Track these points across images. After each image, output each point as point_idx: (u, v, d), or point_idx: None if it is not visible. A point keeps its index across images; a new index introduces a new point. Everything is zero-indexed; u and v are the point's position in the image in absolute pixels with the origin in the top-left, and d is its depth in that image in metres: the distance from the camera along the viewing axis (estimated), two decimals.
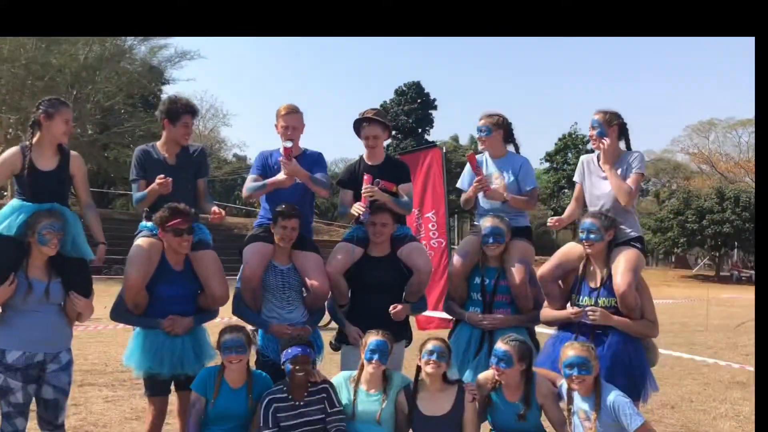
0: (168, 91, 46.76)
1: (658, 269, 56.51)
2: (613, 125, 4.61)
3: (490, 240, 4.78)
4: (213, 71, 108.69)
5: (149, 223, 4.62)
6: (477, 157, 5.14)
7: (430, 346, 4.28)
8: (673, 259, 59.96)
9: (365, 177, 4.89)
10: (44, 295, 4.06)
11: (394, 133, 58.66)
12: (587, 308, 4.39)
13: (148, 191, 4.62)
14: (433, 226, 7.75)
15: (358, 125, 5.18)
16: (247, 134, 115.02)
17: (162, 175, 4.50)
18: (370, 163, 5.17)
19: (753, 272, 48.43)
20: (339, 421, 4.20)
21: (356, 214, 4.87)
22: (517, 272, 4.73)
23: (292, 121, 4.96)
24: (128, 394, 7.18)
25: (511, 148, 5.18)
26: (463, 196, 5.19)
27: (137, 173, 4.76)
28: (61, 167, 4.28)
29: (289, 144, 4.73)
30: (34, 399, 4.16)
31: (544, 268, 4.71)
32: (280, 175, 4.78)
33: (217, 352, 4.37)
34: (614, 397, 3.87)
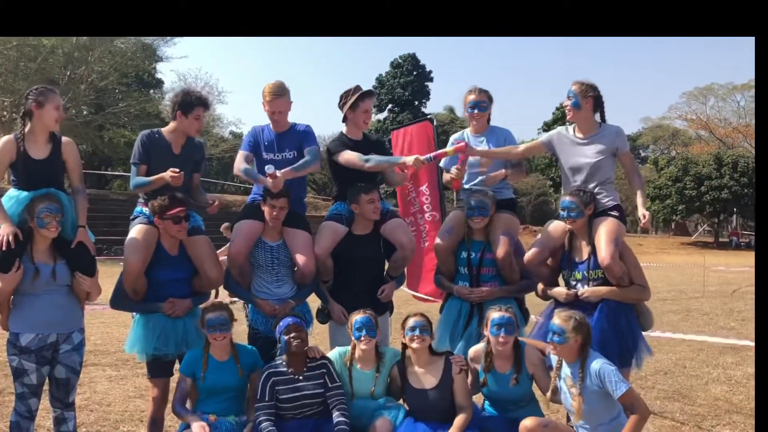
0: (162, 69, 46.50)
1: (658, 237, 56.75)
2: (588, 97, 4.65)
3: (475, 213, 4.85)
4: (206, 48, 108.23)
5: (146, 209, 4.69)
6: (456, 135, 5.23)
7: (411, 322, 4.38)
8: (672, 227, 60.17)
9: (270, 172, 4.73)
10: (51, 277, 4.16)
11: (390, 106, 58.86)
12: (577, 291, 4.50)
13: (154, 179, 4.63)
14: (426, 199, 7.74)
15: (360, 99, 5.10)
16: (242, 111, 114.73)
17: (177, 169, 4.54)
18: (353, 137, 5.18)
19: (753, 237, 48.68)
20: (340, 395, 4.31)
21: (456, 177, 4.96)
22: (501, 244, 4.79)
23: (277, 106, 4.96)
24: (131, 373, 7.29)
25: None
26: (445, 178, 5.24)
27: (140, 157, 4.75)
28: (54, 154, 4.32)
29: (271, 169, 4.69)
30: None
31: (529, 254, 4.76)
32: (270, 182, 4.74)
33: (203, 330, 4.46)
34: (599, 365, 3.94)
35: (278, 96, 4.95)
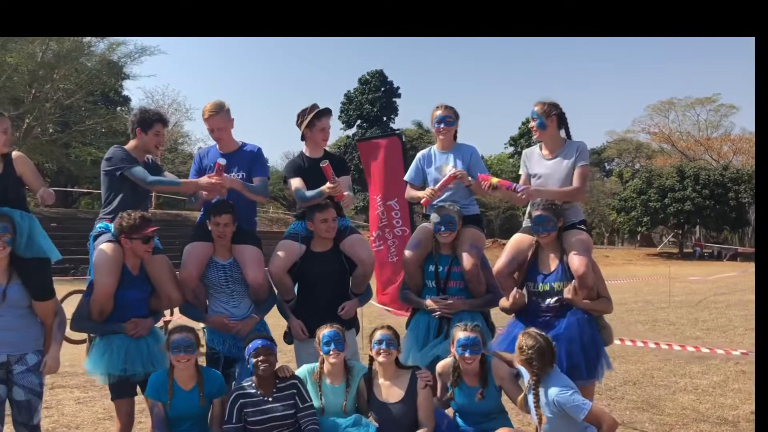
0: (129, 86, 46.07)
1: (624, 248, 57.49)
2: (552, 116, 4.79)
3: (443, 228, 4.90)
4: (173, 66, 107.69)
5: (110, 225, 4.64)
6: (423, 152, 5.31)
7: (378, 335, 4.42)
8: (638, 238, 61.04)
9: (324, 165, 4.85)
10: (1, 297, 4.08)
11: (359, 122, 59.04)
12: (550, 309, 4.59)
13: (186, 182, 4.84)
14: (396, 214, 7.76)
15: (316, 118, 5.15)
16: None
17: (218, 176, 4.65)
18: (312, 156, 5.20)
19: (715, 248, 49.69)
20: (311, 416, 4.28)
21: (427, 198, 4.96)
22: (468, 258, 4.85)
23: (215, 123, 4.98)
24: (99, 394, 7.18)
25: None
26: (413, 194, 5.27)
27: (130, 162, 4.78)
28: (6, 172, 4.26)
29: (223, 161, 4.73)
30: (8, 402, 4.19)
31: (499, 263, 4.83)
32: (204, 189, 4.81)
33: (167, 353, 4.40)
34: (555, 395, 3.97)
35: (214, 113, 4.97)
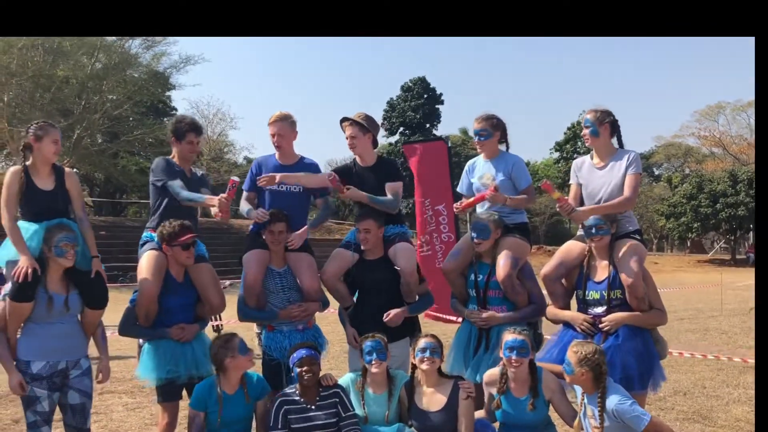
0: (175, 97, 47.00)
1: (674, 255, 56.29)
2: (605, 123, 4.71)
3: (475, 236, 4.87)
4: (217, 74, 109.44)
5: (154, 234, 4.78)
6: (470, 161, 5.29)
7: (422, 343, 4.41)
8: (688, 244, 59.67)
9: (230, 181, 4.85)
10: (64, 307, 4.24)
11: (402, 129, 59.11)
12: (598, 319, 4.47)
13: (207, 199, 4.81)
14: (443, 219, 7.70)
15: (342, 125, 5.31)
16: (254, 136, 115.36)
17: (224, 198, 4.72)
18: (361, 164, 5.30)
19: None
20: (354, 425, 4.29)
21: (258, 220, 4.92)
22: (502, 267, 4.78)
23: (279, 128, 5.11)
24: (147, 400, 7.29)
25: (503, 147, 5.24)
26: (459, 205, 5.23)
27: (171, 174, 4.90)
28: (59, 185, 4.45)
29: (236, 179, 4.83)
30: (57, 408, 4.33)
31: (547, 267, 4.77)
32: (215, 209, 4.83)
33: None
34: (614, 405, 3.89)
35: (280, 119, 5.12)
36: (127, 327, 4.70)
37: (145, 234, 4.95)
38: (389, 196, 5.13)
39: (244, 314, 5.04)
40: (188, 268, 4.79)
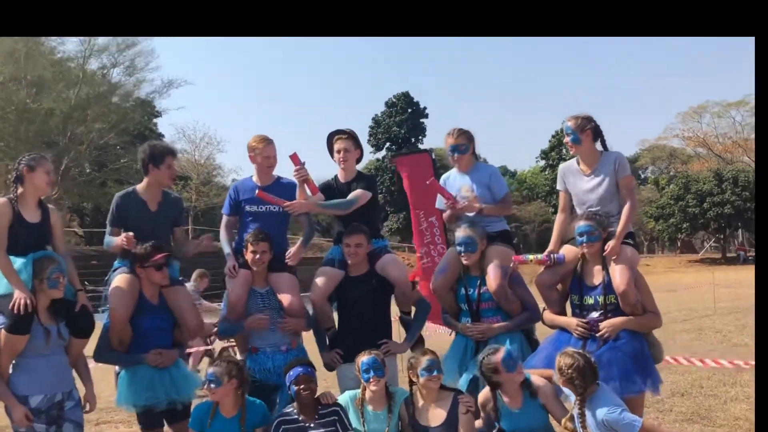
0: (160, 123, 46.96)
1: (664, 256, 56.47)
2: (586, 129, 4.71)
3: (462, 249, 4.84)
4: (201, 97, 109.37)
5: (125, 260, 4.77)
6: (443, 176, 5.31)
7: (425, 363, 4.33)
8: (678, 245, 59.92)
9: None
10: (58, 337, 4.24)
11: (388, 144, 59.23)
12: (593, 324, 4.48)
13: (115, 243, 4.76)
14: (436, 230, 7.71)
15: (331, 140, 5.31)
16: (241, 159, 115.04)
17: (131, 234, 4.63)
18: (342, 180, 5.27)
19: None
20: None
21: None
22: (492, 278, 4.77)
23: (271, 151, 5.15)
24: None
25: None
26: (445, 216, 5.31)
27: (113, 221, 4.93)
28: (45, 219, 4.46)
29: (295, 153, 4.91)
30: None
31: (541, 275, 4.78)
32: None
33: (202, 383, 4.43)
34: (603, 416, 3.86)
35: (269, 143, 5.16)
36: (102, 353, 4.63)
37: (116, 262, 4.90)
38: (349, 197, 5.10)
39: (222, 331, 5.13)
40: (164, 291, 4.75)
